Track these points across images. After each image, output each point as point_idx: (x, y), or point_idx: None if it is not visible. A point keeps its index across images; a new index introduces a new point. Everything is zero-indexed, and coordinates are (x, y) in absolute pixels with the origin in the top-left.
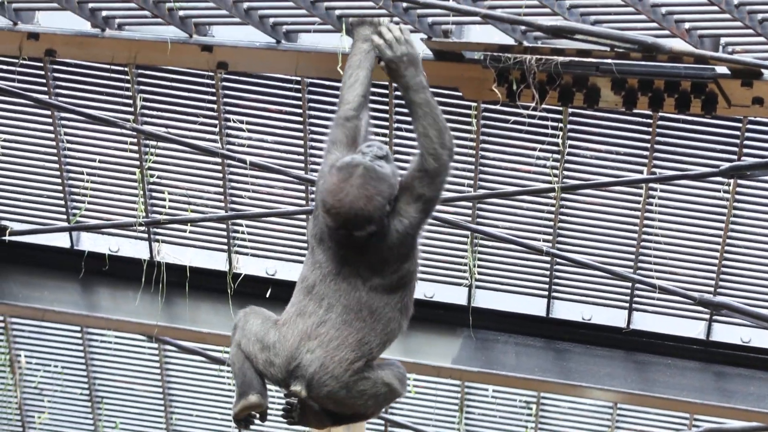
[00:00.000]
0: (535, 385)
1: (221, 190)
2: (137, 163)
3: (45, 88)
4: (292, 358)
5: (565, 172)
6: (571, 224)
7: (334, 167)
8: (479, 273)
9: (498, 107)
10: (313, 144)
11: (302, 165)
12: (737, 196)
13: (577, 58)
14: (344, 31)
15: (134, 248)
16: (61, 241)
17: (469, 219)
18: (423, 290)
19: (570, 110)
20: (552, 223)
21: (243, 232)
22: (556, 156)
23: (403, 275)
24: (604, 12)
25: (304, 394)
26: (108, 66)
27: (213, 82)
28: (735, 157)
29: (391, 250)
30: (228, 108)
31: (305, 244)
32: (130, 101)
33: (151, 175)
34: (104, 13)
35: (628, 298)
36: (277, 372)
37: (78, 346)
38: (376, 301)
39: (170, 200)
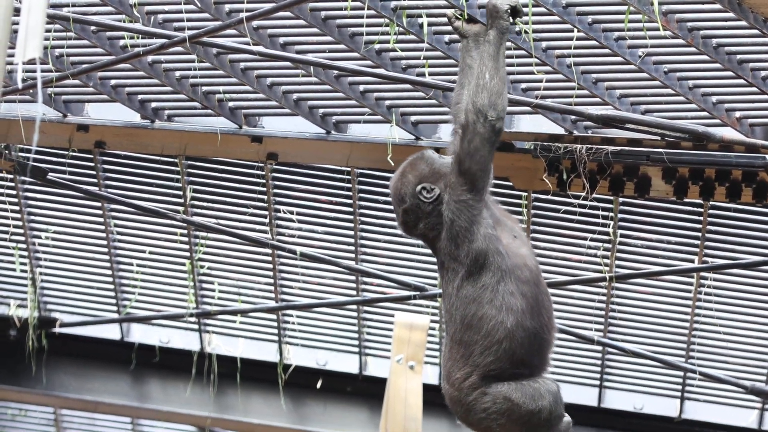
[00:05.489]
0: None
1: (271, 280)
2: (187, 254)
3: (95, 180)
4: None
5: (617, 262)
6: (622, 313)
7: None
8: None
9: (548, 197)
10: (363, 234)
11: (353, 255)
12: None
13: (627, 148)
14: (394, 121)
15: (185, 339)
16: (111, 332)
17: None
18: None
19: (621, 199)
20: (603, 312)
21: (293, 323)
22: (607, 245)
23: (475, 257)
24: (655, 101)
25: None
26: (158, 157)
27: (263, 172)
28: None
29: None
30: (278, 199)
31: (356, 335)
32: (180, 192)
33: (202, 266)
34: (154, 105)
35: (680, 387)
36: None
37: None
38: (466, 304)
39: (220, 291)
